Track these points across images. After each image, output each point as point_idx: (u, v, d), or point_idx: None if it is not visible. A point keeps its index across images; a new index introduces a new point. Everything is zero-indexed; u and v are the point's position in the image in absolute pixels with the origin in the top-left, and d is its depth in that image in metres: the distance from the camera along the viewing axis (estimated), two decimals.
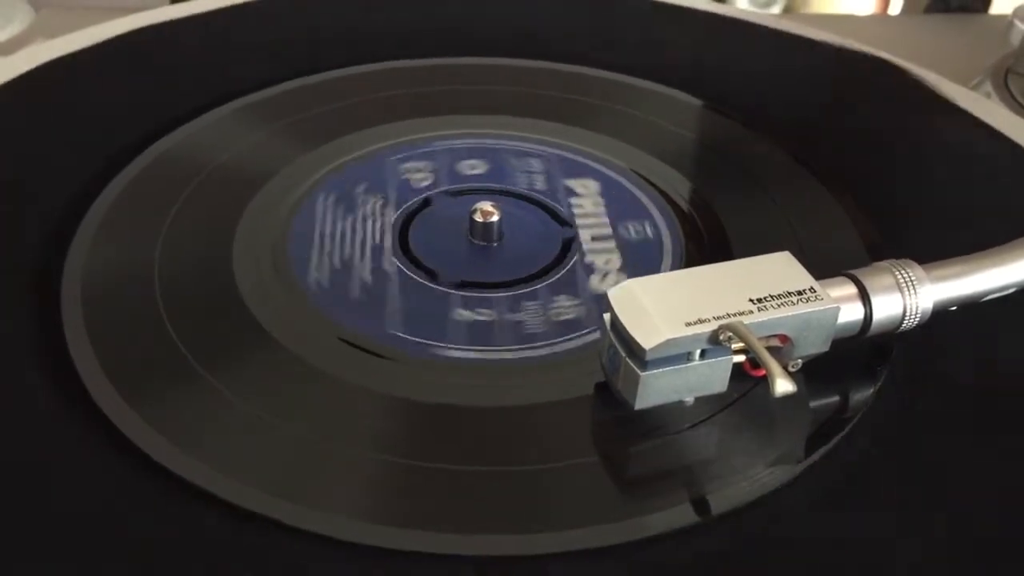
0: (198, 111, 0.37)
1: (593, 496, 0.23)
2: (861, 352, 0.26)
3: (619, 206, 0.33)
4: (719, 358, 0.24)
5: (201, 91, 0.38)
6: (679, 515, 0.23)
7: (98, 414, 0.24)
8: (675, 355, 0.23)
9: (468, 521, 0.22)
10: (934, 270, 0.26)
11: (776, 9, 0.91)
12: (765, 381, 0.22)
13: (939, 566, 0.22)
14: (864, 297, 0.25)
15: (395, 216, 0.32)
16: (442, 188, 0.34)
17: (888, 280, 0.25)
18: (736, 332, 0.23)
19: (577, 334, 0.28)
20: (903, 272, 0.25)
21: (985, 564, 0.22)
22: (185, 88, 0.39)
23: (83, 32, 0.42)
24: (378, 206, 0.33)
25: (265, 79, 0.39)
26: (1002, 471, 0.24)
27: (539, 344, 0.27)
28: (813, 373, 0.25)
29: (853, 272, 0.26)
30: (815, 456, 0.24)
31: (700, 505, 0.23)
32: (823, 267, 0.25)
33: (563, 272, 0.30)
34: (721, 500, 0.23)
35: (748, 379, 0.24)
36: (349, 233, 0.31)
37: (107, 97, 0.38)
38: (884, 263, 0.26)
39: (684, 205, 0.34)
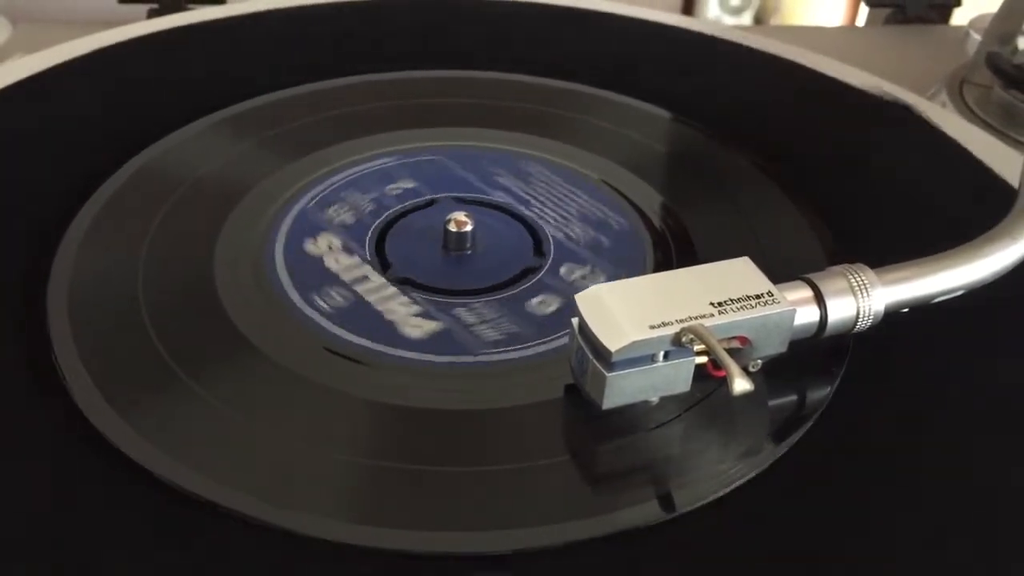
0: (177, 124, 0.38)
1: (563, 494, 0.24)
2: (818, 353, 0.28)
3: (589, 215, 0.35)
4: (682, 359, 0.25)
5: (180, 104, 0.39)
6: (646, 512, 0.24)
7: (83, 420, 0.25)
8: (640, 357, 0.24)
9: (444, 520, 0.23)
10: (886, 274, 0.27)
11: (747, 18, 0.93)
12: (726, 381, 0.23)
13: (895, 560, 0.23)
14: (819, 300, 0.26)
15: (372, 226, 0.33)
16: (417, 199, 0.35)
17: (842, 284, 0.26)
18: (697, 334, 0.24)
19: (547, 339, 0.29)
20: (856, 276, 0.26)
21: (941, 555, 0.23)
22: (164, 101, 0.40)
23: (61, 47, 0.43)
24: (355, 216, 0.34)
25: (243, 92, 0.40)
26: (955, 466, 0.25)
27: (510, 349, 0.28)
28: (773, 374, 0.27)
29: (809, 276, 0.27)
30: (776, 453, 0.25)
31: (665, 501, 0.24)
32: (782, 271, 0.27)
33: (534, 280, 0.31)
34: (684, 496, 0.24)
35: (711, 380, 0.25)
36: (327, 243, 0.32)
37: (86, 111, 0.39)
38: (838, 267, 0.27)
39: (651, 213, 0.35)
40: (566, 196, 0.35)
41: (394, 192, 0.35)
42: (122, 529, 0.22)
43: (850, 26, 0.78)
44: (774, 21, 0.94)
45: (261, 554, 0.22)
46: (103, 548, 0.22)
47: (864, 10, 0.71)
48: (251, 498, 0.23)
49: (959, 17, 0.65)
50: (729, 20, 0.94)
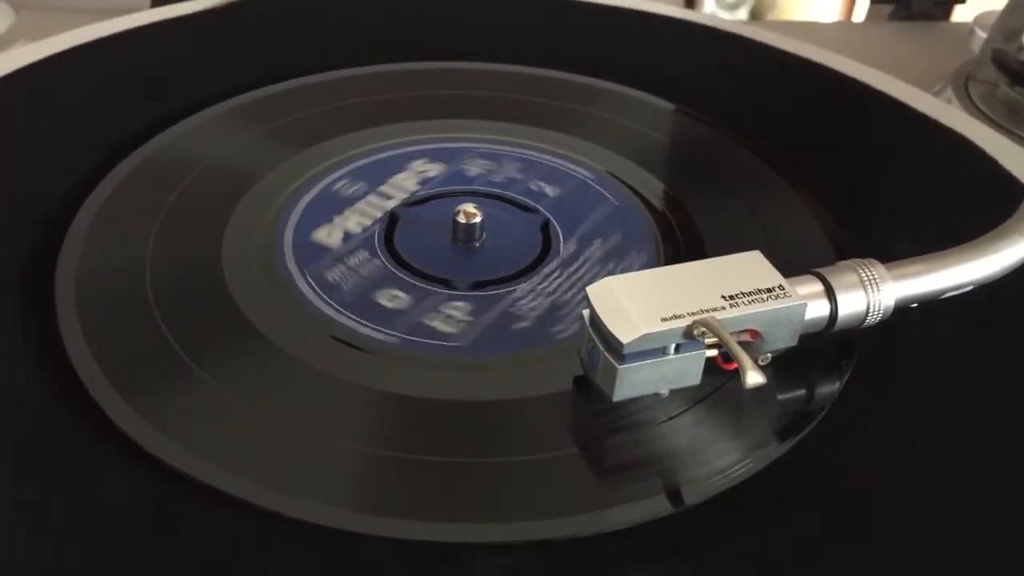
0: (185, 113, 0.37)
1: (572, 486, 0.24)
2: (828, 347, 0.28)
3: (596, 207, 0.34)
4: (693, 352, 0.25)
5: (187, 93, 0.39)
6: (655, 505, 0.24)
7: (93, 407, 0.25)
8: (651, 349, 0.24)
9: (449, 511, 0.23)
10: (896, 269, 0.27)
11: (743, 14, 0.92)
12: (737, 374, 0.23)
13: (901, 554, 0.23)
14: (830, 294, 0.26)
15: (380, 216, 0.33)
16: (425, 190, 0.35)
17: (852, 278, 0.26)
18: (709, 327, 0.24)
19: (556, 330, 0.29)
20: (867, 271, 0.26)
21: (948, 550, 0.23)
22: (169, 90, 0.39)
23: (66, 35, 0.42)
24: (364, 206, 0.34)
25: (252, 81, 0.40)
26: (963, 460, 0.25)
27: (519, 341, 0.28)
28: (782, 367, 0.27)
29: (820, 271, 0.27)
30: (785, 447, 0.25)
31: (673, 496, 0.24)
32: (791, 266, 0.27)
33: (543, 271, 0.31)
34: (692, 491, 0.24)
35: (721, 373, 0.25)
36: (336, 233, 0.32)
37: (92, 99, 0.39)
38: (849, 262, 0.27)
39: (659, 206, 0.35)
40: (573, 188, 0.35)
41: (402, 183, 0.35)
42: (127, 514, 0.22)
43: (854, 22, 0.77)
44: (770, 17, 0.94)
45: (265, 542, 0.22)
46: (107, 533, 0.22)
47: (861, 7, 0.71)
48: (256, 485, 0.23)
49: (963, 14, 0.65)
50: (725, 16, 0.94)
